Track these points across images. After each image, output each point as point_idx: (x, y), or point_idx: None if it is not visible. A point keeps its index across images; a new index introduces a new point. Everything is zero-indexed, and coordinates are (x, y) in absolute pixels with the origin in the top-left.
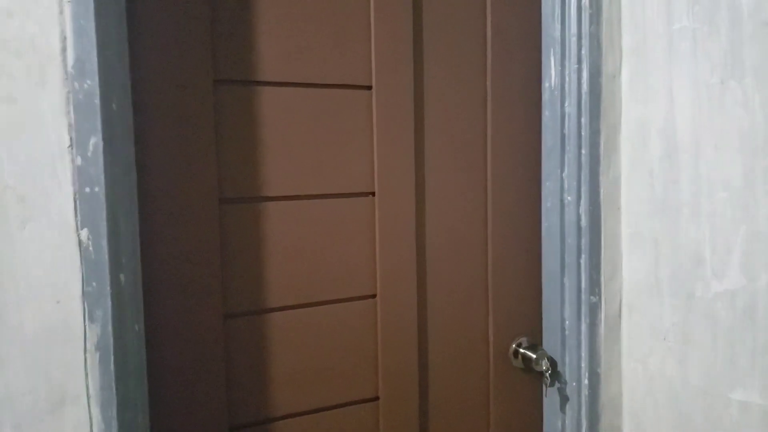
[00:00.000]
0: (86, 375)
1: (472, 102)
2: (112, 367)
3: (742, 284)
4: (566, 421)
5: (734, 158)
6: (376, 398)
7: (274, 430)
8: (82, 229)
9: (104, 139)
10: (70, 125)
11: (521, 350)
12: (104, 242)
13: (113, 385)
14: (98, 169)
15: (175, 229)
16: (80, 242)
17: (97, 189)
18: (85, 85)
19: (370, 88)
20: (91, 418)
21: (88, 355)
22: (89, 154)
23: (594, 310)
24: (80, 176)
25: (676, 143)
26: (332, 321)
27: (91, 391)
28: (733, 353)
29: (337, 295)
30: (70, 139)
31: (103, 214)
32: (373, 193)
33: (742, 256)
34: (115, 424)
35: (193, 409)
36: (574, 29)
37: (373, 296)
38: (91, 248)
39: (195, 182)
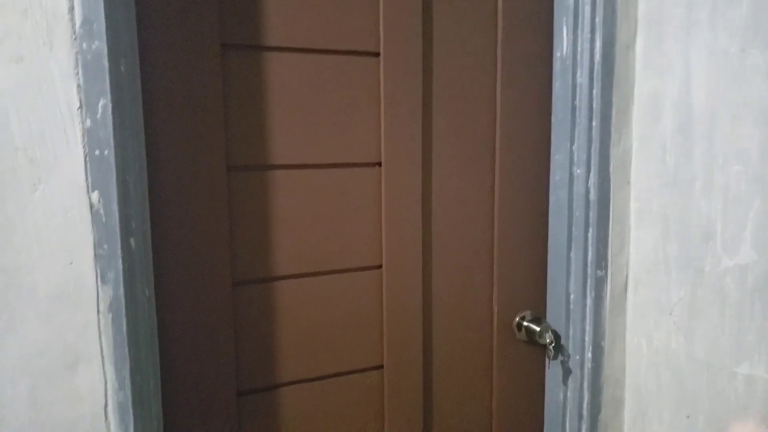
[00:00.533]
0: (99, 336)
1: (481, 71)
2: (124, 328)
3: (753, 259)
4: (568, 394)
5: (751, 131)
6: (381, 366)
7: (281, 396)
8: (92, 192)
9: (113, 101)
10: (79, 86)
11: (525, 323)
12: (114, 205)
13: (126, 346)
14: (107, 132)
15: (183, 195)
16: (91, 205)
17: (106, 152)
18: (93, 46)
19: (377, 54)
20: (105, 377)
21: (101, 316)
22: (98, 116)
23: (600, 284)
24: (90, 138)
25: (690, 115)
26: (338, 290)
27: (104, 351)
28: (741, 328)
29: (343, 265)
30: (80, 100)
31: (113, 177)
32: (380, 164)
33: (754, 231)
34: (128, 383)
35: (202, 373)
36: None
37: (379, 267)
38: (101, 211)
39: (203, 148)
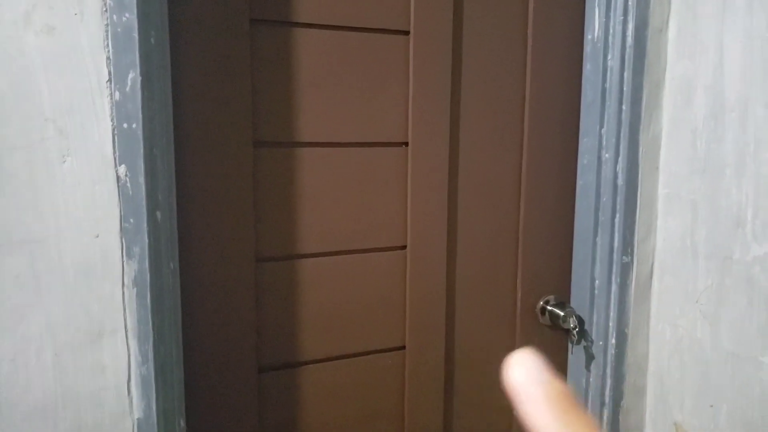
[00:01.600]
0: (124, 309)
1: (511, 52)
2: (148, 302)
3: None
4: (591, 380)
5: None
6: (403, 347)
7: (301, 374)
8: (120, 165)
9: (142, 74)
10: (108, 59)
11: (549, 307)
12: (141, 179)
13: (150, 319)
14: (136, 105)
15: (209, 170)
16: (118, 178)
17: (134, 125)
18: (124, 18)
19: (407, 33)
20: (129, 350)
21: (125, 289)
22: (127, 89)
23: (626, 270)
24: (118, 111)
25: (723, 101)
26: (362, 270)
27: (128, 325)
28: None
29: (367, 245)
30: (109, 73)
31: (141, 151)
32: (407, 143)
33: None
34: (151, 356)
35: (224, 349)
36: None
37: (403, 247)
38: (128, 184)
39: (230, 123)
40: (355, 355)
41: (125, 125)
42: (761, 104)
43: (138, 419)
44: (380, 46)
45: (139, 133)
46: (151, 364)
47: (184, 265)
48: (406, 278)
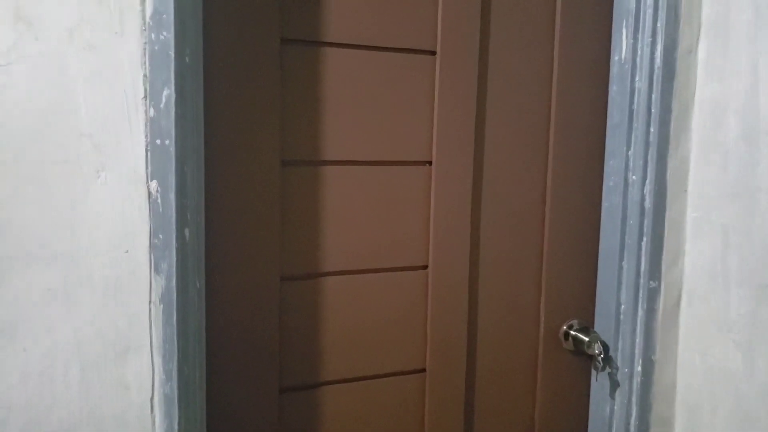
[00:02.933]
0: (150, 326)
1: (537, 73)
2: (174, 320)
3: None
4: (615, 408)
5: None
6: (423, 370)
7: (321, 395)
8: (151, 181)
9: (176, 92)
10: (145, 76)
11: (572, 332)
12: (172, 195)
13: (175, 337)
14: (170, 122)
15: (237, 187)
16: (149, 194)
17: (167, 141)
18: (162, 37)
19: (434, 53)
20: (153, 368)
21: (152, 306)
22: (162, 105)
23: (653, 295)
24: (152, 128)
25: (757, 123)
26: (383, 289)
27: (154, 343)
28: None
29: (389, 264)
30: (145, 90)
31: (172, 167)
32: (431, 162)
33: None
34: (175, 375)
35: (246, 368)
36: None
37: (425, 267)
38: (159, 200)
39: (259, 142)
40: (375, 377)
41: (158, 141)
42: None
43: None
44: (407, 66)
45: (172, 149)
46: (174, 383)
47: (209, 283)
48: (427, 299)
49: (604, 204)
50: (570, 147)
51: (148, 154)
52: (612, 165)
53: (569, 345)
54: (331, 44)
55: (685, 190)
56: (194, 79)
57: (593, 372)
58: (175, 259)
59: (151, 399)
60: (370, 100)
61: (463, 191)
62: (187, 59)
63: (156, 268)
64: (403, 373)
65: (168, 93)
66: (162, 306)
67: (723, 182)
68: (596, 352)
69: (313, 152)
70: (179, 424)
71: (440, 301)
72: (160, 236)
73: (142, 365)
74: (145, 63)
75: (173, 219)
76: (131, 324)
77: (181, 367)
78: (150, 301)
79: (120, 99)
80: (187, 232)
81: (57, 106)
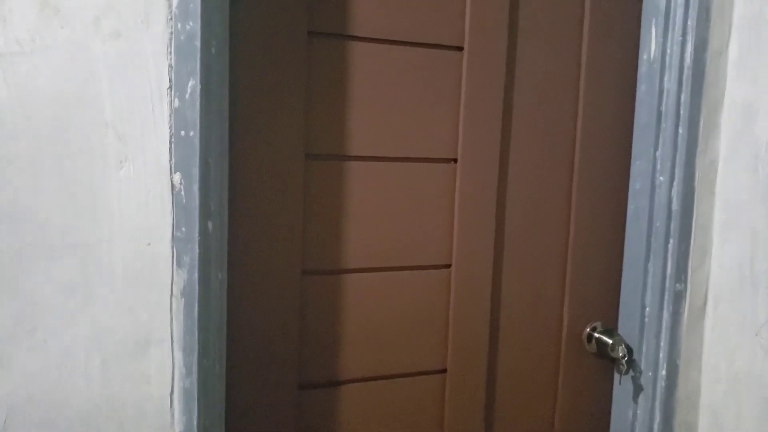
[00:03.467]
0: (171, 319)
1: (565, 71)
2: (195, 313)
3: None
4: (638, 412)
5: None
6: (444, 371)
7: (341, 393)
8: (175, 173)
9: (202, 83)
10: (170, 66)
11: (596, 335)
12: (196, 187)
13: (196, 331)
14: (194, 113)
15: (260, 180)
16: (173, 186)
17: (192, 133)
18: (188, 27)
19: (461, 49)
20: (173, 362)
21: (174, 299)
22: (187, 96)
23: (679, 298)
24: (177, 118)
25: None
26: (406, 288)
27: (174, 336)
28: None
29: (412, 262)
30: (170, 80)
31: (196, 159)
32: (456, 160)
33: None
34: (195, 369)
35: (266, 363)
36: None
37: (448, 266)
38: (182, 192)
39: (283, 135)
40: (395, 376)
41: (182, 133)
42: None
43: None
44: (434, 62)
45: (196, 141)
46: (194, 377)
47: (230, 277)
48: (449, 298)
49: (630, 205)
50: (596, 147)
51: (172, 145)
52: (639, 166)
53: (592, 347)
54: (358, 38)
55: (713, 192)
56: (220, 70)
57: (616, 375)
58: (197, 252)
59: (171, 393)
60: (396, 95)
61: (488, 190)
62: (213, 50)
63: (178, 261)
64: (423, 372)
65: (193, 84)
66: (183, 299)
67: (754, 185)
68: (620, 355)
69: (338, 147)
70: (198, 418)
71: (463, 300)
72: (183, 229)
73: (163, 359)
74: (170, 53)
75: (196, 212)
76: (152, 317)
77: (201, 361)
78: (171, 295)
79: (144, 89)
80: (210, 224)
81: (81, 95)
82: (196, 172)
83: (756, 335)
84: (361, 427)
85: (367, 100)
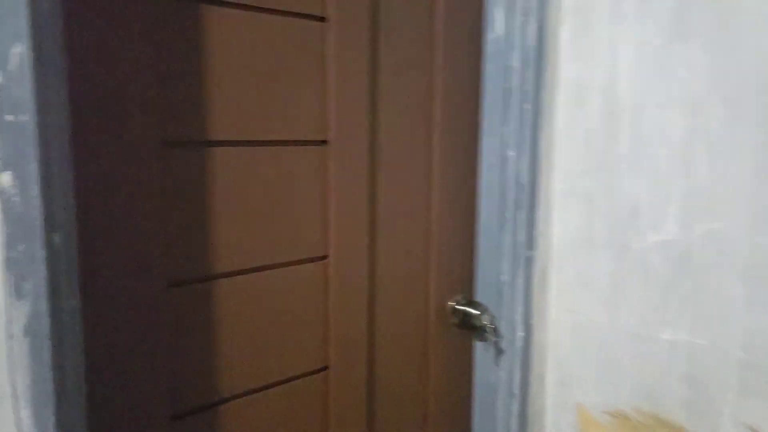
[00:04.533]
0: (12, 370)
1: (423, 45)
2: (46, 356)
3: (676, 235)
4: (500, 374)
5: (675, 118)
6: (326, 368)
7: (218, 416)
8: (3, 172)
9: (33, 48)
10: None
11: (459, 307)
12: (35, 190)
13: (49, 379)
14: (24, 89)
15: (110, 175)
16: (1, 190)
17: (25, 117)
18: None
19: (324, 19)
20: (21, 423)
21: (14, 343)
22: (11, 67)
23: (529, 264)
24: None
25: (617, 102)
26: (282, 286)
27: (19, 390)
28: (665, 298)
29: (287, 257)
30: None
31: (33, 152)
32: (326, 141)
33: (678, 209)
34: (52, 424)
35: (135, 396)
36: None
37: (325, 257)
38: (17, 198)
39: (133, 116)
40: (276, 383)
41: (10, 117)
42: (653, 106)
43: None
44: (296, 33)
45: (31, 127)
46: None
47: (85, 301)
48: (328, 291)
49: (483, 180)
50: (452, 124)
51: None
52: (489, 142)
53: (456, 319)
54: (215, 1)
55: (555, 164)
56: (53, 32)
57: (478, 343)
58: (44, 275)
59: None
60: (257, 69)
61: (360, 172)
62: (44, 3)
63: (17, 290)
64: (305, 374)
65: (21, 50)
66: (28, 339)
67: (588, 155)
68: (481, 323)
69: (197, 131)
70: None
71: (342, 292)
72: (21, 247)
73: (5, 423)
74: None
75: (38, 222)
76: None
77: (58, 414)
78: (11, 337)
79: None
80: (56, 238)
81: None
82: (34, 169)
83: (594, 289)
84: None
85: (227, 75)
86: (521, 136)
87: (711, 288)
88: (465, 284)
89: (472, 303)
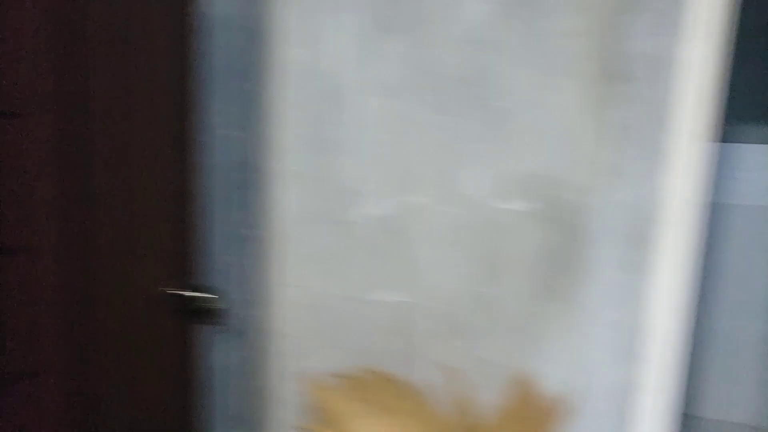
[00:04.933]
0: None
1: (142, 23)
2: None
3: (386, 209)
4: (230, 353)
5: (385, 102)
6: (37, 374)
7: None
8: None
9: None
10: None
11: (185, 293)
12: None
13: None
14: None
15: None
16: None
17: None
18: None
19: None
20: None
21: None
22: None
23: (257, 243)
24: None
25: (338, 87)
26: None
27: None
28: (371, 265)
29: None
30: None
31: None
32: (16, 114)
33: (384, 186)
34: None
35: None
36: None
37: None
38: None
39: None
40: None
41: None
42: (368, 91)
43: None
44: None
45: None
46: None
47: None
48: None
49: (208, 161)
50: (157, 103)
51: None
52: (210, 123)
53: (177, 305)
54: None
55: (278, 145)
56: None
57: (206, 327)
58: None
59: None
60: None
61: (52, 148)
62: None
63: None
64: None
65: None
66: None
67: (309, 137)
68: (210, 305)
69: None
70: None
71: (55, 288)
72: None
73: None
74: None
75: None
76: None
77: None
78: None
79: None
80: None
81: None
82: None
83: (311, 261)
84: None
85: None
86: (244, 116)
87: (410, 253)
88: (187, 269)
89: (197, 287)
